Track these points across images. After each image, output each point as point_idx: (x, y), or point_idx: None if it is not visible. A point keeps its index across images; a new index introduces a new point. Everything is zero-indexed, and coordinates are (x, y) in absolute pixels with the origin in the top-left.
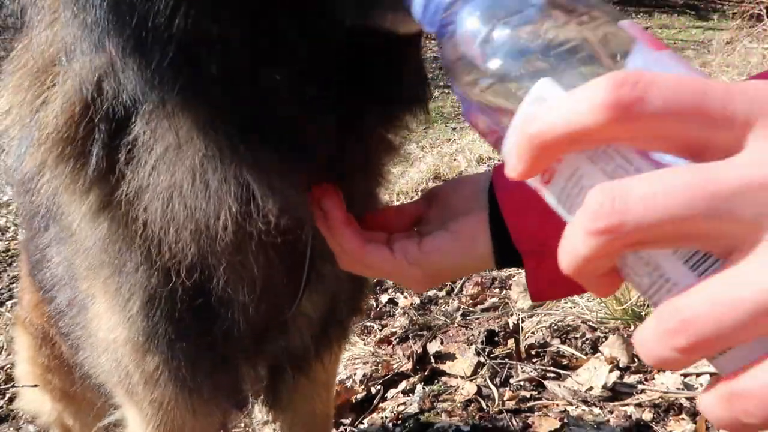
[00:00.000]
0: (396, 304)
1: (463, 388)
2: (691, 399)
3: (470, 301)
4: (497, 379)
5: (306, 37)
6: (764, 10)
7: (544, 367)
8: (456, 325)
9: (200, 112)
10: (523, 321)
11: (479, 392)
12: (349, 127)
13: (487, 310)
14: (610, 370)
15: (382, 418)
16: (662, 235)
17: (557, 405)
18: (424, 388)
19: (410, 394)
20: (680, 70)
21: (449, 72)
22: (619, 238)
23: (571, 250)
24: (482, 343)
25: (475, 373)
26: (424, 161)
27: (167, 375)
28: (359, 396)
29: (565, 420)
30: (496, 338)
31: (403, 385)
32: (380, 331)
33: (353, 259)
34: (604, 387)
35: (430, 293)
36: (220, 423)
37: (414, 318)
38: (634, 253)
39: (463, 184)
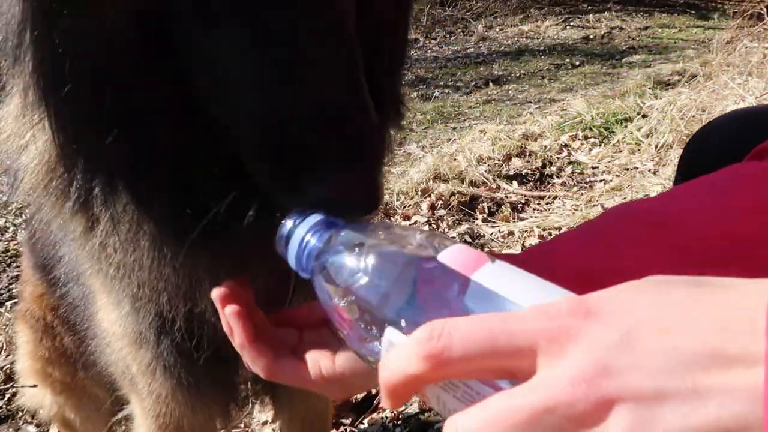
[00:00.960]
0: None
1: None
2: None
3: None
4: None
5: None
6: (765, 9)
7: None
8: None
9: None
10: None
11: None
12: None
13: None
14: None
15: (382, 418)
16: None
17: None
18: None
19: None
20: (502, 287)
21: (324, 306)
22: None
23: None
24: None
25: None
26: (424, 161)
27: (161, 369)
28: (359, 396)
29: None
30: None
31: None
32: None
33: (266, 375)
34: None
35: None
36: (220, 420)
37: None
38: None
39: None
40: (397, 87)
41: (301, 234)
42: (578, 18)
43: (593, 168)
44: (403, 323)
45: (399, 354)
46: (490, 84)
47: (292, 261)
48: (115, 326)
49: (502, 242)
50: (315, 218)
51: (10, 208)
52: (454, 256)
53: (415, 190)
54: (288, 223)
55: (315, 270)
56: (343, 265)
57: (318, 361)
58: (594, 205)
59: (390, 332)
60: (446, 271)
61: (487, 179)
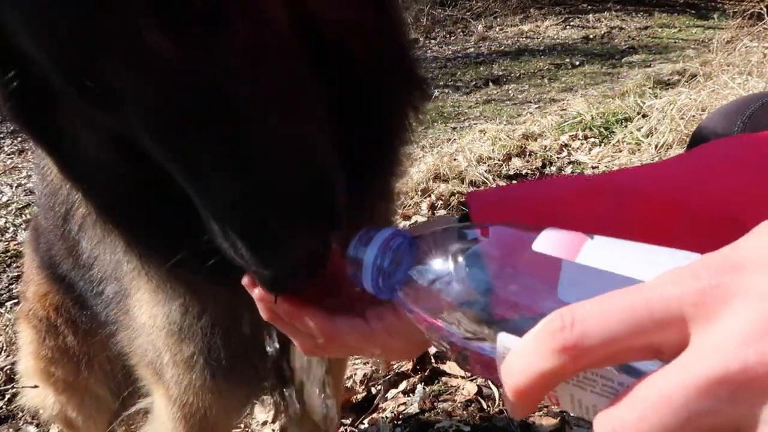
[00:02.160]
0: None
1: (463, 388)
2: None
3: None
4: None
5: None
6: (765, 9)
7: None
8: None
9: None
10: None
11: (480, 392)
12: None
13: None
14: None
15: (382, 418)
16: None
17: None
18: (424, 388)
19: (411, 395)
20: (614, 263)
21: (416, 320)
22: None
23: None
24: None
25: None
26: (424, 161)
27: (203, 362)
28: (359, 396)
29: (566, 419)
30: None
31: (403, 385)
32: None
33: (324, 339)
34: None
35: None
36: (241, 406)
37: None
38: None
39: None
40: (399, 96)
41: (372, 254)
42: (578, 18)
43: (593, 168)
44: (513, 324)
45: (525, 353)
46: (490, 84)
47: (368, 284)
48: (156, 319)
49: None
50: (382, 236)
51: (10, 209)
52: (549, 241)
53: (415, 190)
54: (355, 247)
55: (397, 286)
56: (430, 274)
57: (381, 316)
58: None
59: (503, 339)
60: (546, 259)
61: (487, 179)
